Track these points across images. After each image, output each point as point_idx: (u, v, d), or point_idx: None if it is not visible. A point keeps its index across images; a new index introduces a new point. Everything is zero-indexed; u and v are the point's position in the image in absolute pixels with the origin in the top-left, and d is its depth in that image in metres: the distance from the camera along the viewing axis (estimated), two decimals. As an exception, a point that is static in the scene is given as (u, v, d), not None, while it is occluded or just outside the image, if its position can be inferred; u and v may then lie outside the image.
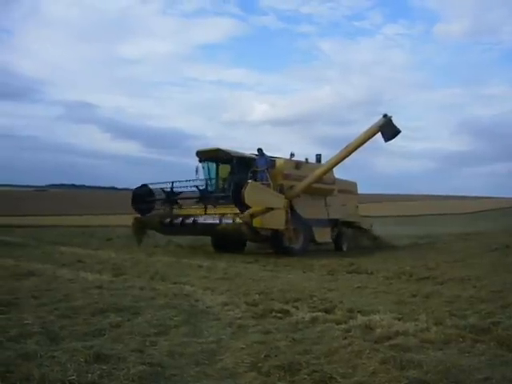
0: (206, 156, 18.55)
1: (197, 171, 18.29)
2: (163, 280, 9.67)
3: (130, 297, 7.39)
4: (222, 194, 17.25)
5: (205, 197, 17.11)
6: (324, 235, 19.77)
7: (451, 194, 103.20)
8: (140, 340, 5.00)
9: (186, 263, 13.08)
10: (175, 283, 9.23)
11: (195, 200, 18.33)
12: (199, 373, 4.20)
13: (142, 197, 18.77)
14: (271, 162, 18.30)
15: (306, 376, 4.08)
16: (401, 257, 16.33)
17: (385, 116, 17.48)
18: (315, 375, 4.08)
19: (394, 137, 17.58)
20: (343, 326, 5.79)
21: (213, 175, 18.69)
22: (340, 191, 21.08)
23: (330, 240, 20.36)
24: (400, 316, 6.23)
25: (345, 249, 20.57)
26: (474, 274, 10.59)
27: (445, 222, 44.60)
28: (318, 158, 19.87)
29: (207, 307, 6.95)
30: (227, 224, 16.05)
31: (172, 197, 18.44)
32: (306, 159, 19.52)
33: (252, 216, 15.50)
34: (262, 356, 4.52)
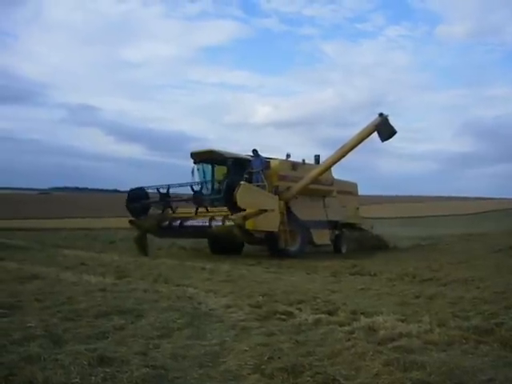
0: (200, 158, 18.36)
1: (193, 173, 18.20)
2: (166, 282, 9.67)
3: (133, 299, 7.39)
4: (214, 196, 17.03)
5: (198, 199, 16.73)
6: (322, 237, 19.58)
7: (454, 195, 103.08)
8: (143, 343, 5.00)
9: (189, 265, 13.08)
10: (178, 285, 9.23)
11: (188, 202, 17.83)
12: (202, 375, 4.20)
13: (138, 199, 18.30)
14: (266, 163, 18.07)
15: (309, 378, 4.07)
16: (404, 258, 16.32)
17: (381, 115, 17.29)
18: (318, 377, 4.07)
19: (390, 136, 17.40)
20: (346, 327, 5.78)
21: (208, 177, 18.52)
22: (339, 192, 20.85)
23: (329, 242, 20.23)
24: (403, 317, 6.22)
25: (344, 251, 20.35)
26: (478, 276, 10.57)
27: (448, 223, 44.55)
28: (317, 158, 19.62)
29: (210, 309, 6.94)
30: (218, 226, 15.83)
31: (166, 199, 17.84)
32: (303, 160, 19.32)
33: (245, 218, 15.28)
34: (266, 358, 4.52)
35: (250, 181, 17.17)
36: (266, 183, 17.14)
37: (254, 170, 17.62)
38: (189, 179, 17.63)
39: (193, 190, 16.61)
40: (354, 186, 23.14)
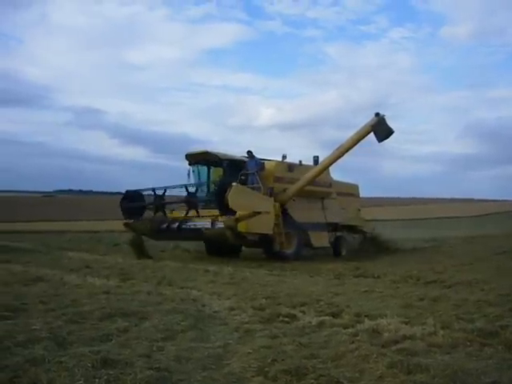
0: (195, 159, 18.10)
1: (189, 175, 18.01)
2: (170, 285, 9.68)
3: (137, 302, 7.40)
4: (207, 198, 16.81)
5: (191, 201, 16.45)
6: (321, 239, 19.25)
7: (457, 196, 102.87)
8: (147, 345, 5.00)
9: (193, 268, 13.09)
10: (182, 288, 9.25)
11: (180, 205, 17.67)
12: (206, 378, 4.20)
13: (132, 201, 18.05)
14: (261, 164, 17.67)
15: (312, 380, 4.07)
16: (408, 260, 16.29)
17: (377, 115, 16.97)
18: (322, 379, 4.08)
19: (387, 137, 17.11)
20: (350, 330, 5.78)
21: (204, 179, 18.35)
22: (339, 194, 20.56)
23: (328, 244, 19.86)
24: (407, 320, 6.20)
25: (344, 253, 19.93)
26: (482, 278, 10.53)
27: (451, 225, 44.47)
28: (316, 159, 19.03)
29: (214, 312, 6.95)
30: (210, 229, 15.58)
31: (158, 201, 17.55)
32: (300, 161, 18.99)
33: (237, 220, 15.04)
34: (269, 360, 4.51)
35: (245, 182, 16.98)
36: (261, 185, 16.88)
37: (249, 172, 17.36)
38: (186, 181, 17.44)
39: (188, 191, 16.46)
40: (355, 187, 22.80)
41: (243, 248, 19.27)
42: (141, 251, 17.17)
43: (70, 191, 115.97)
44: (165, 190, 17.28)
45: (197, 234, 16.28)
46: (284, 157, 18.20)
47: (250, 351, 4.84)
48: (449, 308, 7.16)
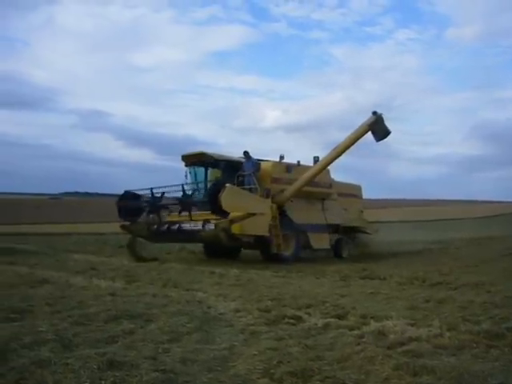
0: (191, 160, 17.87)
1: (186, 176, 17.84)
2: (176, 287, 9.69)
3: (143, 304, 7.41)
4: (201, 200, 16.43)
5: (185, 203, 16.11)
6: (321, 241, 18.93)
7: (463, 198, 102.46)
8: (153, 347, 5.01)
9: (199, 270, 13.09)
10: (188, 290, 9.25)
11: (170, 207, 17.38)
12: (212, 379, 4.21)
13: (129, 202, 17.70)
14: (258, 165, 17.42)
15: (318, 382, 4.08)
16: (413, 262, 16.25)
17: (374, 113, 16.77)
18: (328, 381, 4.08)
19: (385, 136, 16.94)
20: (356, 332, 5.77)
21: (200, 180, 17.90)
22: (341, 195, 20.30)
23: (329, 246, 19.50)
24: (413, 322, 6.19)
25: (345, 255, 19.58)
26: (488, 280, 10.51)
27: (457, 226, 44.27)
28: (316, 160, 18.66)
29: (220, 314, 6.95)
30: (202, 231, 15.34)
31: (154, 203, 17.07)
32: (298, 162, 18.62)
33: (231, 222, 14.87)
34: (275, 362, 4.52)
35: (242, 183, 16.83)
36: (257, 186, 16.67)
37: (246, 173, 17.16)
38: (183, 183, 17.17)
39: (184, 193, 16.24)
40: (358, 188, 22.48)
41: (246, 250, 19.02)
42: (134, 253, 17.03)
43: (76, 193, 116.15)
44: (162, 194, 16.92)
45: (192, 235, 16.09)
46: (281, 157, 17.89)
47: (256, 353, 4.84)
48: (455, 310, 7.14)
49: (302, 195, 18.05)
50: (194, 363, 4.58)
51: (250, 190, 16.64)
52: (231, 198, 14.85)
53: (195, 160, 17.73)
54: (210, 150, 17.70)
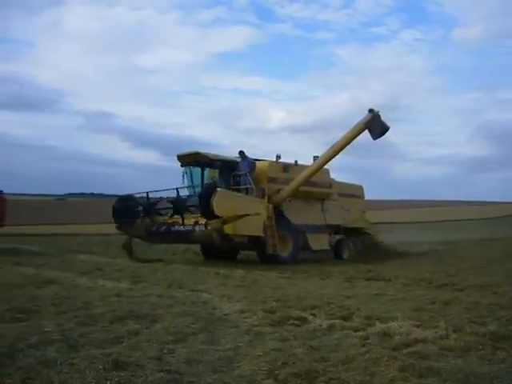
0: (186, 160, 17.54)
1: (183, 177, 17.66)
2: (181, 287, 9.71)
3: (148, 304, 7.43)
4: (192, 204, 16.27)
5: (178, 206, 16.13)
6: (320, 242, 18.66)
7: (469, 199, 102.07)
8: (158, 347, 5.02)
9: (204, 271, 13.11)
10: (193, 291, 9.27)
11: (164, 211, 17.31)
12: (217, 380, 4.21)
13: (125, 208, 17.43)
14: (253, 164, 17.04)
15: (323, 383, 4.07)
16: (419, 263, 16.21)
17: (371, 111, 16.47)
18: (332, 383, 4.08)
19: (382, 134, 16.59)
20: (361, 333, 5.75)
21: (196, 181, 17.74)
22: (342, 195, 20.00)
23: (328, 247, 19.27)
24: (419, 323, 6.16)
25: (345, 257, 19.33)
26: (494, 281, 10.47)
27: (463, 227, 44.18)
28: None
29: (225, 315, 6.96)
30: (195, 231, 15.24)
31: (149, 206, 17.21)
32: (296, 161, 18.31)
33: (224, 222, 14.64)
34: (280, 363, 4.52)
35: (237, 183, 16.68)
36: (253, 186, 16.37)
37: (241, 173, 16.83)
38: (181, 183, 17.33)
39: (178, 194, 16.15)
40: (360, 188, 22.12)
41: (250, 251, 18.77)
42: (131, 254, 17.06)
43: (81, 194, 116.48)
44: (159, 200, 17.04)
45: (185, 236, 16.01)
46: (278, 157, 17.66)
47: (261, 354, 4.85)
48: (461, 311, 7.11)
49: (301, 195, 17.85)
50: (198, 364, 4.59)
51: (246, 189, 16.45)
52: (223, 202, 14.74)
53: (190, 160, 17.46)
54: (214, 151, 17.59)
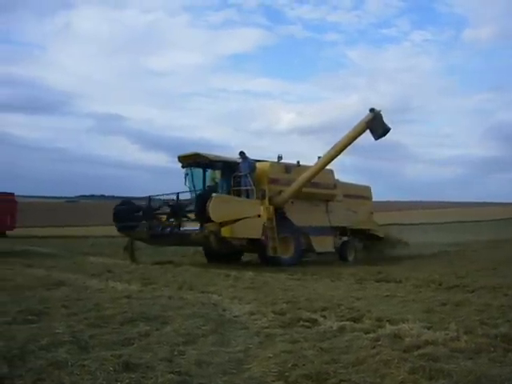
0: (186, 161, 17.39)
1: (186, 178, 17.54)
2: (191, 289, 9.72)
3: (159, 306, 7.45)
4: (190, 209, 15.83)
5: (175, 210, 15.98)
6: (324, 244, 18.40)
7: (480, 200, 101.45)
8: (168, 349, 5.03)
9: (214, 272, 13.12)
10: (203, 292, 9.28)
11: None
12: (227, 382, 4.21)
13: (125, 213, 17.44)
14: (253, 165, 16.79)
15: (333, 385, 4.07)
16: (430, 265, 16.10)
17: (372, 110, 16.24)
18: (343, 384, 4.06)
19: (384, 134, 16.35)
20: (371, 335, 5.73)
21: (197, 182, 17.54)
22: (348, 196, 19.73)
23: (333, 249, 18.91)
24: (429, 325, 6.13)
25: (351, 259, 19.06)
26: (505, 282, 10.38)
27: (474, 229, 43.86)
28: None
29: (235, 316, 6.97)
30: (193, 233, 15.13)
31: (149, 211, 17.00)
32: (298, 162, 18.00)
33: (221, 224, 14.59)
34: (290, 365, 4.51)
35: (238, 184, 16.53)
36: (253, 187, 16.24)
37: (242, 174, 16.64)
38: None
39: (177, 198, 16.03)
40: (367, 189, 21.82)
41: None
42: (133, 256, 17.12)
43: (92, 196, 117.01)
44: (158, 208, 16.91)
45: (184, 238, 15.93)
46: (280, 157, 17.38)
47: (271, 356, 4.84)
48: (472, 313, 7.06)
49: (304, 196, 17.62)
50: (209, 365, 4.59)
51: (247, 191, 16.33)
52: (219, 207, 14.64)
53: (191, 161, 17.32)
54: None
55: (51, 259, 17.61)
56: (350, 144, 16.88)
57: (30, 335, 5.39)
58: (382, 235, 21.79)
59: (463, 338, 5.38)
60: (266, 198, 16.44)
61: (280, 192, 16.96)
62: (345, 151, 17.19)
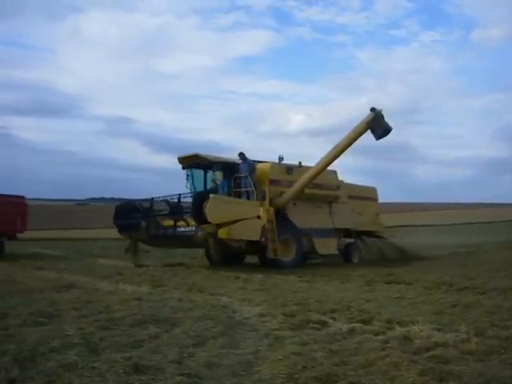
0: (186, 162, 17.24)
1: (187, 179, 17.38)
2: (201, 291, 9.74)
3: (168, 308, 7.48)
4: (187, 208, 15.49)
5: (174, 211, 15.68)
6: (327, 246, 18.09)
7: (490, 201, 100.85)
8: (178, 351, 5.04)
9: (223, 274, 13.13)
10: (212, 294, 9.30)
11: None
12: (236, 384, 4.22)
13: (126, 214, 17.32)
14: (253, 166, 16.54)
15: (343, 387, 4.06)
16: (440, 266, 16.03)
17: (373, 110, 15.94)
18: (352, 387, 4.05)
19: (385, 134, 16.04)
20: (381, 337, 5.72)
21: (198, 183, 17.34)
22: (353, 198, 19.46)
23: (336, 252, 18.63)
24: (439, 327, 6.11)
25: (355, 261, 18.83)
26: (517, 284, 10.31)
27: (484, 230, 43.57)
28: None
29: (244, 318, 6.97)
30: (193, 235, 14.87)
31: (148, 213, 16.76)
32: (300, 163, 17.64)
33: (218, 226, 14.37)
34: (299, 367, 4.51)
35: (238, 186, 16.36)
36: (253, 188, 16.01)
37: (242, 175, 16.41)
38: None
39: (179, 199, 15.89)
40: (373, 190, 21.47)
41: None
42: (134, 257, 16.98)
43: (102, 199, 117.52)
44: (158, 215, 16.61)
45: (185, 240, 15.74)
46: (281, 158, 17.13)
47: (280, 358, 4.84)
48: (482, 315, 7.02)
49: (306, 198, 17.37)
50: (218, 367, 4.60)
51: (247, 192, 16.17)
52: (216, 209, 14.43)
53: (191, 162, 17.15)
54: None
55: (61, 261, 17.72)
56: (351, 144, 16.59)
57: (40, 337, 5.42)
58: (387, 237, 21.57)
59: (473, 340, 5.35)
60: (267, 200, 16.25)
61: (281, 193, 16.75)
62: (348, 152, 16.85)
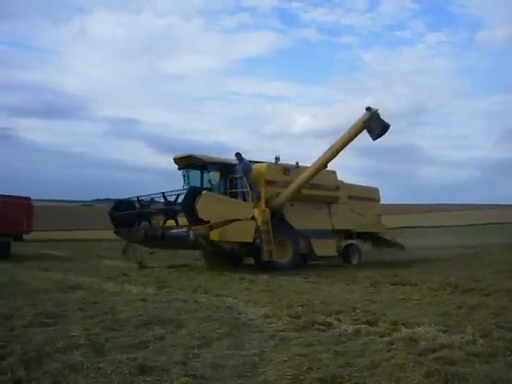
0: (181, 163, 16.91)
1: (184, 180, 17.06)
2: (206, 292, 9.75)
3: (174, 309, 7.49)
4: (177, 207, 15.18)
5: (169, 210, 15.46)
6: (326, 248, 17.67)
7: (496, 202, 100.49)
8: (183, 352, 5.05)
9: (228, 276, 13.15)
10: (218, 296, 9.31)
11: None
12: (241, 385, 4.23)
13: (122, 211, 17.21)
14: (249, 167, 16.24)
15: (348, 389, 4.06)
16: (446, 268, 15.97)
17: (368, 109, 15.67)
18: (358, 388, 4.05)
19: (382, 133, 15.76)
20: (386, 338, 5.70)
21: (193, 183, 16.73)
22: (354, 198, 19.13)
23: (335, 253, 18.16)
24: (445, 328, 6.09)
25: (355, 262, 18.39)
26: (523, 286, 10.27)
27: (489, 231, 43.39)
28: None
29: (249, 319, 6.98)
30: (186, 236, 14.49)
31: (143, 211, 16.85)
32: (297, 163, 17.41)
33: (210, 228, 14.09)
34: (304, 368, 4.51)
35: (234, 186, 16.13)
36: (249, 189, 15.76)
37: (238, 175, 16.13)
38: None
39: (176, 200, 15.50)
40: (375, 191, 21.07)
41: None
42: (131, 258, 16.89)
43: (107, 200, 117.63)
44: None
45: (179, 241, 15.40)
46: (277, 159, 17.00)
47: (286, 359, 4.84)
48: (488, 316, 6.99)
49: (304, 199, 17.05)
50: (223, 368, 4.61)
51: (243, 193, 15.97)
52: (208, 206, 14.20)
53: (186, 163, 16.87)
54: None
55: (67, 262, 17.79)
56: (347, 144, 16.32)
57: (46, 338, 5.45)
58: (389, 238, 21.37)
59: (479, 342, 5.33)
60: (262, 201, 16.06)
61: (277, 194, 16.50)
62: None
